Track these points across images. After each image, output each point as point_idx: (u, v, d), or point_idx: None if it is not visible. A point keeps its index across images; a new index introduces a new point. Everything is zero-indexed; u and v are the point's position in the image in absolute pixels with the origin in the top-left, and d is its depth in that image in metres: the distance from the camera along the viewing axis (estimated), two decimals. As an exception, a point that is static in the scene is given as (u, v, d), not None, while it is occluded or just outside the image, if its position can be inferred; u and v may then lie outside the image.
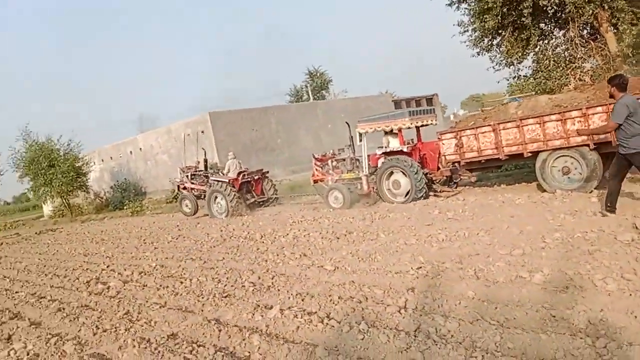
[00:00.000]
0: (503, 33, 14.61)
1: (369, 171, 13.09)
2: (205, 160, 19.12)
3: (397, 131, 12.43)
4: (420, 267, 6.32)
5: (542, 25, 14.72)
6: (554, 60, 14.21)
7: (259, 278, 7.32)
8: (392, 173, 12.21)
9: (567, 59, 14.25)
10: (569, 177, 9.70)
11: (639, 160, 6.93)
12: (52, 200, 30.64)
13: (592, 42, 14.17)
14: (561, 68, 14.17)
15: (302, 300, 5.89)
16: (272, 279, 7.17)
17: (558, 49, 14.54)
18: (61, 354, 5.71)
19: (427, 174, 12.07)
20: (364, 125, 12.77)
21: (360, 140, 12.90)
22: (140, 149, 32.53)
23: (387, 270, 6.52)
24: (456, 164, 11.43)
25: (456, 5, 16.53)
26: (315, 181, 14.64)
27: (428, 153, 12.51)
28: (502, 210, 9.02)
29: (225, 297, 6.71)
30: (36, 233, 24.86)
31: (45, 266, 12.82)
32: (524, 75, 15.60)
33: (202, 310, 6.35)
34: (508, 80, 16.09)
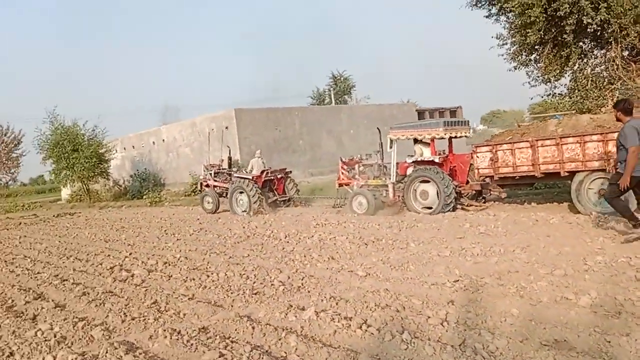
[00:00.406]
0: (542, 49, 14.40)
1: (396, 179, 12.92)
2: (230, 158, 19.11)
3: (429, 141, 12.27)
4: (458, 281, 6.16)
5: (581, 43, 14.48)
6: (592, 80, 13.96)
7: (289, 278, 7.21)
8: (420, 183, 12.04)
9: (607, 79, 14.00)
10: (605, 200, 9.46)
11: (635, 182, 7.03)
12: (72, 184, 30.85)
13: (633, 64, 13.90)
14: (599, 88, 13.92)
15: (337, 304, 5.77)
16: (302, 280, 7.06)
17: (597, 68, 14.29)
18: (89, 338, 5.65)
19: (456, 186, 11.88)
20: (396, 132, 12.62)
21: (391, 147, 12.73)
22: (163, 140, 32.67)
23: (422, 280, 6.38)
24: (488, 179, 11.24)
25: (495, 17, 16.36)
26: (341, 185, 14.52)
27: (458, 165, 12.33)
28: (536, 228, 8.82)
29: (255, 294, 6.61)
30: (54, 216, 25.06)
31: (66, 249, 12.84)
32: (558, 94, 15.35)
33: (232, 306, 6.25)
34: (543, 97, 15.83)
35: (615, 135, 8.89)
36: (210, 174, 18.44)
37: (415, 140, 12.86)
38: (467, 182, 12.31)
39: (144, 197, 29.68)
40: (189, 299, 6.72)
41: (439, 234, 9.21)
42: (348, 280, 6.83)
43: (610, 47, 13.69)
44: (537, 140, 9.98)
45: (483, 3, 16.31)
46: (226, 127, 28.25)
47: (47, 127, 29.10)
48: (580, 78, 14.21)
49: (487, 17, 16.68)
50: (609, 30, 13.42)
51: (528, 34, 13.65)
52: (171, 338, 5.18)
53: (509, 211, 11.11)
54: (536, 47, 14.58)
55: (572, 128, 10.01)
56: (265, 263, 8.44)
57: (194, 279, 7.86)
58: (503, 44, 15.03)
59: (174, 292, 7.21)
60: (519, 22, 13.60)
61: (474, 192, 12.22)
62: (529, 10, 12.97)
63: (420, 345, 4.28)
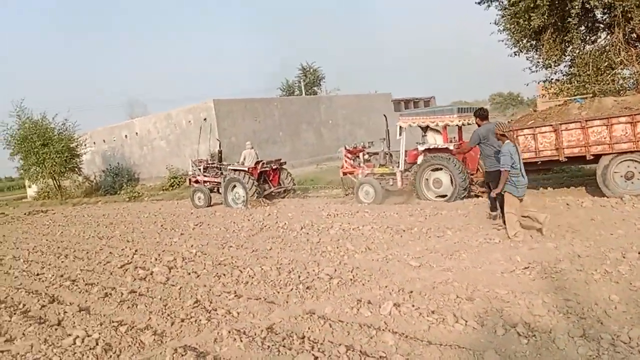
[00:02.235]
0: (543, 34, 14.24)
1: (405, 167, 12.56)
2: (220, 152, 18.37)
3: (440, 128, 11.95)
4: (528, 267, 5.83)
5: (582, 27, 14.40)
6: (593, 65, 13.90)
7: (335, 271, 6.75)
8: (433, 171, 11.71)
9: (608, 64, 13.97)
10: (632, 182, 9.34)
11: (491, 177, 8.38)
12: (43, 180, 29.32)
13: (633, 49, 13.91)
14: (599, 74, 13.88)
15: (409, 297, 5.34)
16: (352, 272, 6.61)
17: (597, 53, 14.24)
18: (139, 344, 5.07)
19: (469, 174, 11.60)
20: (406, 119, 12.22)
21: (400, 135, 12.33)
22: (137, 133, 31.39)
23: (486, 269, 6.02)
24: None
25: (487, 3, 16.14)
26: (345, 174, 14.06)
27: (469, 153, 12.04)
28: (572, 212, 8.60)
29: (307, 289, 6.12)
30: (25, 214, 23.69)
31: (58, 248, 12.00)
32: (556, 80, 15.24)
33: (287, 302, 5.76)
34: (545, 82, 15.70)
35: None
36: (200, 169, 17.67)
37: (424, 128, 12.52)
38: (477, 170, 12.06)
39: (118, 192, 28.52)
40: (235, 296, 6.18)
41: (470, 221, 8.88)
42: (402, 271, 6.41)
43: (613, 31, 13.63)
44: (561, 124, 9.76)
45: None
46: (204, 119, 27.40)
47: (13, 122, 27.56)
48: (581, 64, 14.11)
49: (478, 3, 16.48)
50: (612, 15, 13.37)
51: (532, 18, 13.44)
52: (241, 341, 4.66)
53: (526, 196, 10.87)
54: (539, 32, 14.40)
55: (596, 111, 9.83)
56: (297, 256, 7.94)
57: (225, 275, 7.31)
58: (504, 29, 14.80)
59: (210, 290, 6.65)
60: (523, 5, 13.36)
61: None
62: (535, -7, 12.76)
63: (545, 339, 3.91)
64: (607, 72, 14.15)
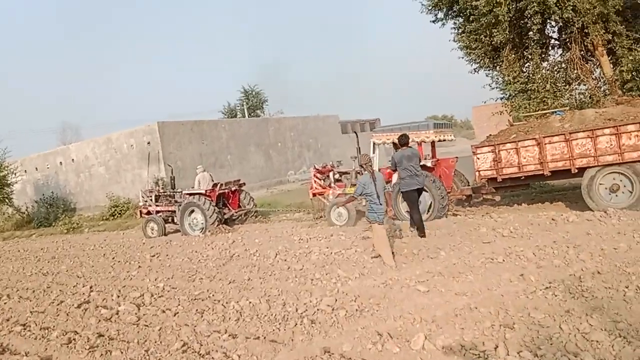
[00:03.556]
0: (502, 51, 14.41)
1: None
2: (172, 178, 17.30)
3: (414, 144, 11.62)
4: (549, 287, 5.42)
5: (538, 45, 14.68)
6: (550, 81, 14.13)
7: (336, 300, 6.09)
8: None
9: (565, 79, 14.27)
10: (616, 195, 9.29)
11: (406, 197, 9.68)
12: (-33, 213, 26.89)
13: (585, 65, 14.29)
14: (559, 89, 14.14)
15: (437, 327, 4.77)
16: (355, 301, 5.99)
17: (556, 69, 14.53)
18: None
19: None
20: (380, 135, 11.81)
21: (374, 152, 11.88)
22: (73, 159, 29.44)
23: (503, 290, 5.58)
24: (485, 181, 10.76)
25: (442, 22, 16.24)
26: (315, 194, 13.43)
27: (443, 170, 11.78)
28: (562, 228, 8.36)
29: (312, 323, 5.43)
30: (-52, 250, 21.42)
31: (-3, 287, 10.62)
32: (516, 92, 15.38)
33: (293, 340, 5.06)
34: (502, 99, 15.86)
35: (629, 127, 8.82)
36: (150, 199, 16.52)
37: (395, 144, 12.15)
38: (452, 187, 11.81)
39: (54, 224, 26.54)
40: (230, 336, 5.40)
41: (459, 240, 8.47)
42: (410, 297, 5.86)
43: (569, 48, 13.94)
44: (544, 137, 9.63)
45: (430, 9, 16.14)
46: (148, 143, 26.12)
47: None
48: (539, 80, 14.32)
49: (433, 22, 16.57)
50: (568, 32, 13.69)
51: (493, 34, 13.55)
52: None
53: (505, 213, 10.67)
54: (495, 48, 14.57)
55: (579, 123, 9.79)
56: (284, 285, 7.23)
57: (207, 311, 6.50)
58: (465, 47, 14.87)
59: (195, 329, 5.83)
60: (485, 21, 13.44)
61: (463, 197, 11.74)
62: (497, 9, 12.86)
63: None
64: (565, 87, 14.45)
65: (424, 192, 11.02)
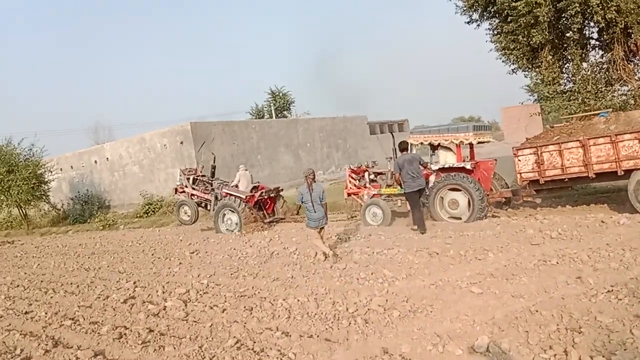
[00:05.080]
0: (541, 51, 14.11)
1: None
2: (214, 167, 17.27)
3: (452, 146, 11.46)
4: (611, 291, 5.25)
5: (579, 45, 14.35)
6: (591, 82, 13.81)
7: (387, 301, 6.01)
8: (448, 191, 11.15)
9: (606, 80, 13.92)
10: (667, 198, 9.01)
11: (408, 197, 10.57)
12: (8, 209, 27.48)
13: (629, 66, 13.91)
14: (600, 90, 13.80)
15: (499, 329, 4.65)
16: (407, 302, 5.90)
17: (597, 69, 14.19)
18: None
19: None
20: (418, 136, 11.68)
21: (411, 151, 11.74)
22: (107, 158, 29.96)
23: (562, 293, 5.44)
24: (526, 184, 10.54)
25: (477, 23, 16.00)
26: (349, 194, 13.36)
27: (482, 172, 11.57)
28: (613, 230, 8.13)
29: (366, 323, 5.36)
30: (-11, 245, 22.01)
31: (42, 281, 10.87)
32: (556, 93, 15.06)
33: (348, 340, 5.00)
34: (540, 100, 15.57)
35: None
36: (188, 179, 16.53)
37: (433, 146, 12.01)
38: (491, 190, 11.61)
39: (88, 221, 27.05)
40: (282, 334, 5.36)
41: (505, 241, 8.30)
42: (463, 299, 5.75)
43: (611, 48, 13.59)
44: (589, 139, 9.39)
45: (464, 9, 15.90)
46: (181, 142, 26.42)
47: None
48: (580, 81, 14.00)
49: (468, 23, 16.33)
50: (610, 32, 13.33)
51: (532, 34, 13.28)
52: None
53: (550, 215, 10.42)
54: (534, 49, 14.28)
55: (625, 124, 9.54)
56: (330, 284, 7.18)
57: (255, 308, 6.48)
58: (503, 48, 14.60)
59: (245, 326, 5.81)
60: (523, 21, 13.17)
61: (503, 199, 11.51)
62: (537, 9, 12.60)
63: None
64: (607, 88, 14.09)
65: (458, 193, 10.91)
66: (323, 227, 9.23)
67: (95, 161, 30.92)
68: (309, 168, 9.62)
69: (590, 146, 9.39)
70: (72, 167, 32.21)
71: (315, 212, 8.99)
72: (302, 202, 9.23)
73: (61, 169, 31.87)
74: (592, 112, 11.75)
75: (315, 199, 8.99)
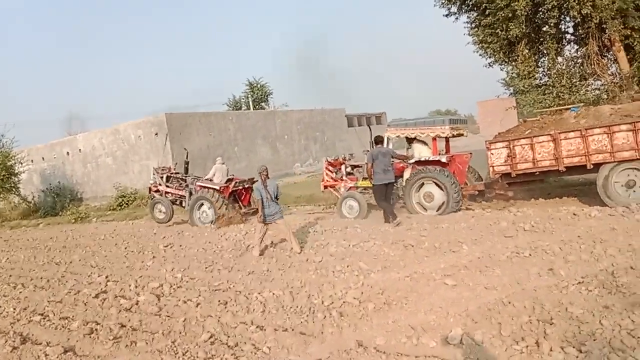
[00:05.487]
0: (518, 45, 14.26)
1: (389, 180, 11.99)
2: (187, 163, 17.07)
3: (427, 140, 11.52)
4: (582, 282, 5.33)
5: (555, 40, 14.52)
6: (566, 77, 14.01)
7: (362, 293, 6.01)
8: (422, 184, 11.21)
9: (581, 74, 14.14)
10: (634, 191, 9.19)
11: (377, 189, 10.78)
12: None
13: (602, 61, 14.15)
14: (575, 84, 14.01)
15: (472, 321, 4.68)
16: (382, 294, 5.90)
17: (572, 64, 14.40)
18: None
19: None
20: (394, 130, 11.71)
21: (387, 146, 11.75)
22: (80, 150, 29.37)
23: (534, 285, 5.50)
24: (498, 177, 10.65)
25: (455, 15, 16.09)
26: (326, 187, 13.34)
27: (456, 166, 11.66)
28: (584, 223, 8.26)
29: (341, 316, 5.35)
30: (-44, 239, 21.40)
31: (10, 276, 10.61)
32: (531, 87, 15.23)
33: (323, 333, 4.98)
34: (515, 94, 15.75)
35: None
36: (162, 178, 16.32)
37: (409, 139, 12.05)
38: (465, 183, 11.71)
39: (60, 214, 26.50)
40: (257, 327, 5.31)
41: (478, 234, 8.38)
42: (437, 291, 5.78)
43: (585, 43, 13.80)
44: (560, 133, 9.52)
45: (443, 2, 15.97)
46: (156, 134, 26.04)
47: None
48: (555, 75, 14.19)
49: (446, 15, 16.41)
50: (585, 27, 13.52)
51: (509, 28, 13.40)
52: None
53: (523, 208, 10.53)
54: (511, 42, 14.42)
55: (594, 119, 9.69)
56: (305, 277, 7.15)
57: (229, 302, 6.42)
58: (481, 41, 14.70)
59: (219, 321, 5.75)
60: (501, 15, 13.28)
61: (476, 192, 11.62)
62: (515, 3, 12.70)
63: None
64: (581, 83, 14.31)
65: (433, 186, 10.97)
66: (277, 222, 9.38)
67: (68, 152, 30.30)
68: (262, 165, 9.85)
69: (560, 140, 9.53)
70: (43, 158, 31.52)
71: (268, 207, 9.25)
72: (258, 199, 9.39)
73: (32, 161, 31.17)
74: (563, 107, 11.91)
75: (269, 193, 9.25)
